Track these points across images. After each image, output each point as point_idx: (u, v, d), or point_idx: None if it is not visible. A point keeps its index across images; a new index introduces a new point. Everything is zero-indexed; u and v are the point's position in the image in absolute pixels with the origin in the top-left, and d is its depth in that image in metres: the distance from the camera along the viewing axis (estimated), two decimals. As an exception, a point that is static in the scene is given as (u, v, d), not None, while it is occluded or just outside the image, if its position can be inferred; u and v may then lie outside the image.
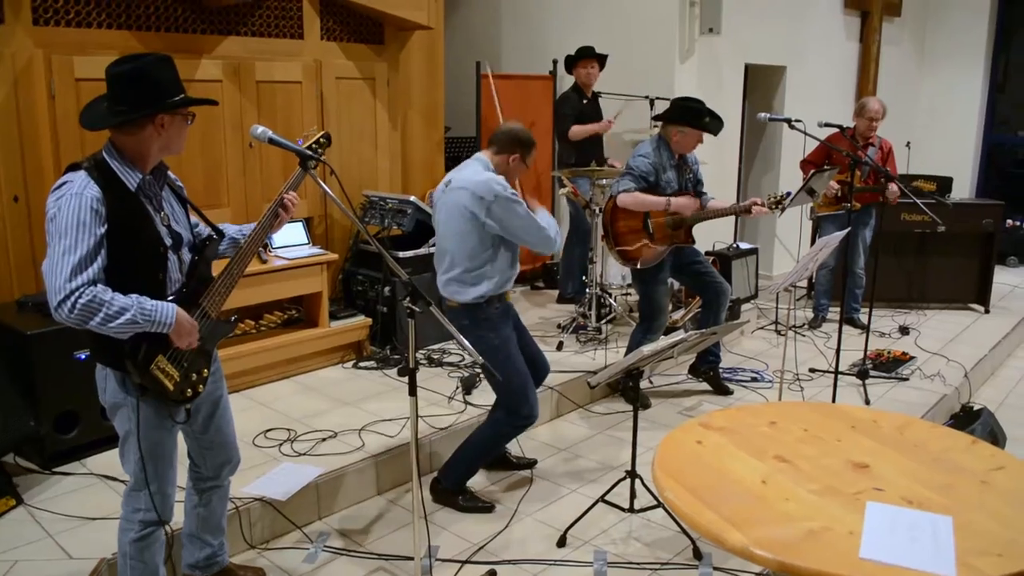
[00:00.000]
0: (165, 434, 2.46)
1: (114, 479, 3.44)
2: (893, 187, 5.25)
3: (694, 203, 4.42)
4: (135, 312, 2.21)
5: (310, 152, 2.65)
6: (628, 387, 4.67)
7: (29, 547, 2.98)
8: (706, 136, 4.41)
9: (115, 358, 2.33)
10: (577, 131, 5.94)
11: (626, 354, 4.69)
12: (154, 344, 2.33)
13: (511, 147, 3.42)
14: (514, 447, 4.11)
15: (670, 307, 4.58)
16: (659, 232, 4.41)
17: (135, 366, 2.31)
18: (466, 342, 2.72)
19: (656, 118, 4.42)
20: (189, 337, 2.37)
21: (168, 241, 2.39)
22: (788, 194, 4.37)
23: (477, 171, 3.38)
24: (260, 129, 2.62)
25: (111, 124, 2.30)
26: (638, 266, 4.46)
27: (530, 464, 3.99)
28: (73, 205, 2.17)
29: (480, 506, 3.60)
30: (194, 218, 2.61)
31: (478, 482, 3.82)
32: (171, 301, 2.35)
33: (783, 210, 4.38)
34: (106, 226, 2.21)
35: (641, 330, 4.65)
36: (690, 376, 5.06)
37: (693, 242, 4.54)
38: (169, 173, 2.51)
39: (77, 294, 2.14)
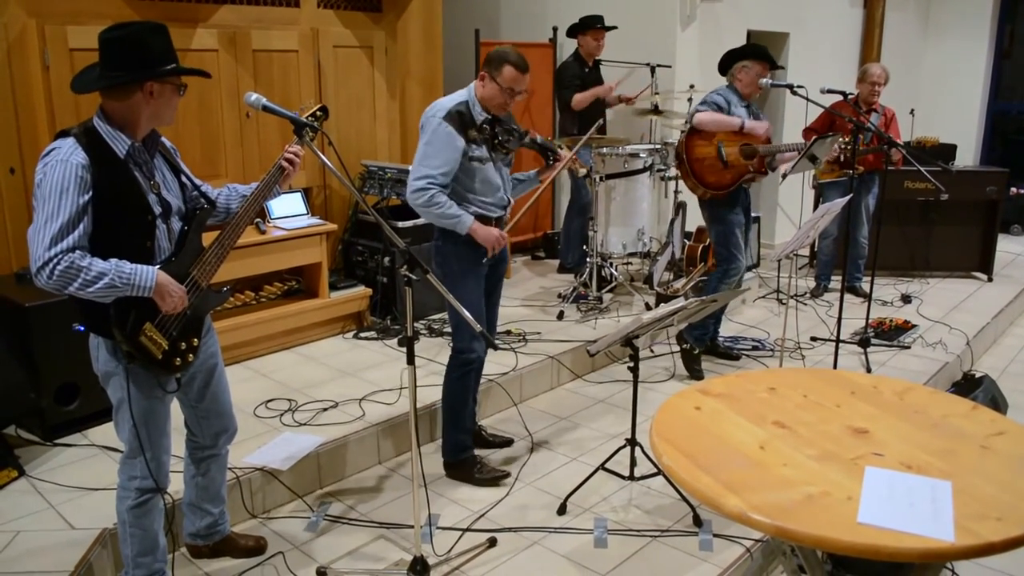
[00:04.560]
0: (157, 402, 2.46)
1: (115, 449, 3.44)
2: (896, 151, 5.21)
3: (766, 125, 4.52)
4: (113, 276, 2.21)
5: (305, 120, 2.62)
6: (690, 354, 4.75)
7: (31, 518, 2.99)
8: None
9: (104, 326, 2.33)
10: (580, 99, 5.90)
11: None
12: (142, 312, 2.33)
13: (482, 70, 3.38)
14: (510, 422, 4.11)
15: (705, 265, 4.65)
16: (732, 159, 4.49)
17: (123, 334, 2.31)
18: (457, 303, 2.70)
19: (722, 63, 4.59)
20: (174, 300, 2.35)
21: (157, 209, 2.38)
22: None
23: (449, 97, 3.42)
24: (254, 96, 2.59)
25: (98, 87, 2.29)
26: (714, 192, 4.51)
27: (506, 443, 3.90)
28: (58, 172, 2.17)
29: (495, 476, 3.55)
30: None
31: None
32: (159, 270, 2.34)
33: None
34: (91, 193, 2.21)
35: (718, 275, 4.66)
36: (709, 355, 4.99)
37: (766, 172, 4.60)
38: (164, 140, 2.49)
39: (55, 261, 2.15)
